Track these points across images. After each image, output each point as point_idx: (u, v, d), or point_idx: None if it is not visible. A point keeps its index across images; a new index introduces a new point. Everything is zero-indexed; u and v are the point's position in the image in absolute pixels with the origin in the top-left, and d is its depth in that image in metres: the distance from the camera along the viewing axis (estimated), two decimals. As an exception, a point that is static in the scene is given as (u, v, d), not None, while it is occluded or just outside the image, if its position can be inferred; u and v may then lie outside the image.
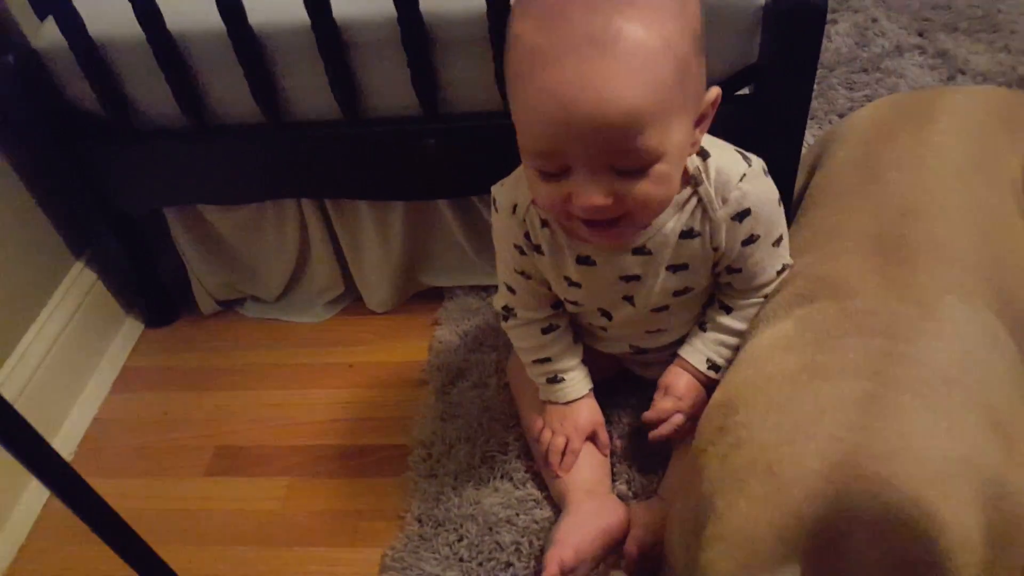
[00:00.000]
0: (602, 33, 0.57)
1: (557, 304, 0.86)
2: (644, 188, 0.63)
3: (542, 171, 0.64)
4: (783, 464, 0.60)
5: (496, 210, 0.80)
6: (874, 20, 1.54)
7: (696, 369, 0.83)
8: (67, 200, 1.08)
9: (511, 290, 0.85)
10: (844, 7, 1.59)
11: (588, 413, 0.88)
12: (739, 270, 0.78)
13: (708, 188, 0.72)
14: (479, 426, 0.97)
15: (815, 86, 1.38)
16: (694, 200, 0.73)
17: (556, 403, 0.88)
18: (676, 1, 0.61)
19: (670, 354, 0.86)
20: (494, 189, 0.80)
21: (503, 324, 0.89)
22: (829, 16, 1.56)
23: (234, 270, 1.17)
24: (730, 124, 0.76)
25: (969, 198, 0.78)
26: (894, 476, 0.57)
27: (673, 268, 0.77)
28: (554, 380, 0.88)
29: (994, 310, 0.69)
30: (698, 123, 0.67)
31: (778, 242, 0.78)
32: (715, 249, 0.76)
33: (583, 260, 0.77)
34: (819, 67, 1.42)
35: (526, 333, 0.87)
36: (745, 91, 0.89)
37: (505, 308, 0.87)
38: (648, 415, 0.83)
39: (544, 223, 0.76)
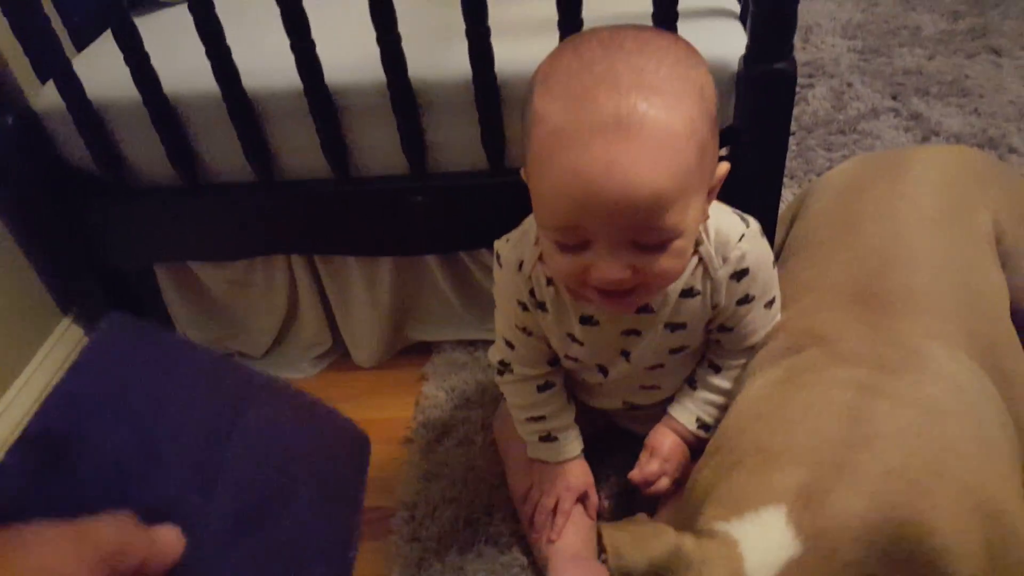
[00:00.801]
0: (628, 118, 0.58)
1: (554, 361, 0.86)
2: (662, 263, 0.64)
3: (561, 243, 0.65)
4: (773, 442, 0.64)
5: (500, 265, 0.80)
6: (849, 84, 1.60)
7: (685, 428, 0.84)
8: (57, 257, 1.09)
9: (510, 345, 0.84)
10: (820, 72, 1.65)
11: (579, 474, 0.88)
12: (731, 329, 0.79)
13: (708, 247, 0.74)
14: (464, 486, 0.96)
15: (795, 147, 1.43)
16: (695, 259, 0.74)
17: (547, 462, 0.88)
18: (697, 86, 0.62)
19: (662, 410, 0.87)
20: (498, 244, 0.80)
21: (497, 379, 0.89)
22: (806, 80, 1.62)
23: (222, 326, 1.18)
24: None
25: (944, 248, 0.79)
26: (885, 474, 0.59)
27: (671, 327, 0.78)
28: (547, 439, 0.87)
29: (977, 360, 0.71)
30: (708, 195, 0.69)
31: (770, 304, 0.79)
32: (714, 307, 0.77)
33: (587, 320, 0.77)
34: (798, 129, 1.48)
35: (521, 390, 0.87)
36: (723, 152, 0.92)
37: (501, 363, 0.87)
38: (635, 476, 0.83)
39: (549, 281, 0.76)
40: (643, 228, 0.61)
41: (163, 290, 1.15)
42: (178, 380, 0.44)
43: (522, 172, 0.68)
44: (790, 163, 1.37)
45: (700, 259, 0.74)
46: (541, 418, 0.87)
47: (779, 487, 0.59)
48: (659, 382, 0.85)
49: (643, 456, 0.84)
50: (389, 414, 1.10)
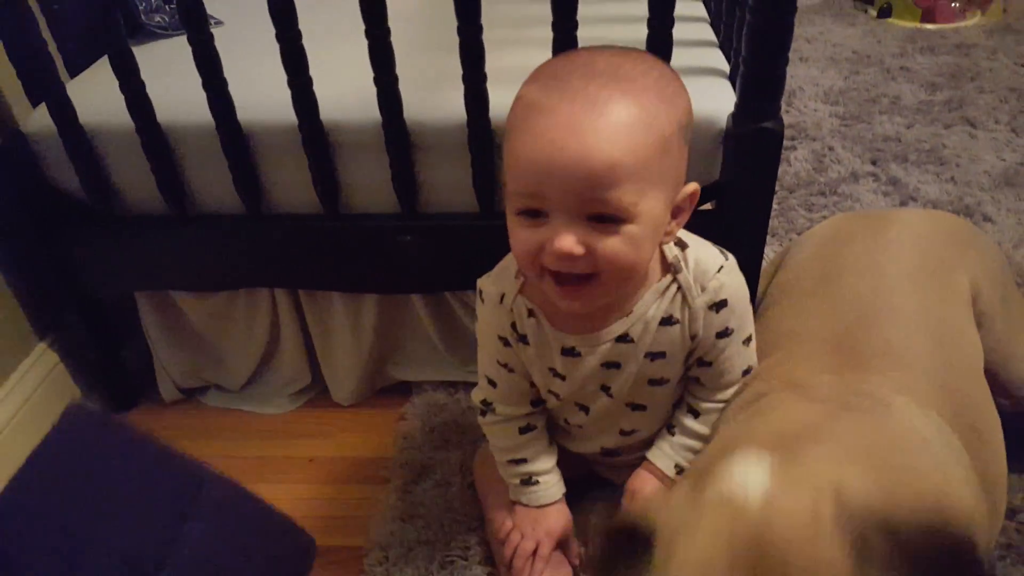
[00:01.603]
0: (596, 95, 0.63)
1: (536, 402, 0.87)
2: (614, 245, 0.66)
3: (523, 211, 0.67)
4: (736, 438, 0.65)
5: (482, 301, 0.81)
6: (830, 148, 1.64)
7: (663, 474, 0.84)
8: (37, 281, 1.07)
9: (492, 383, 0.85)
10: (802, 135, 1.70)
11: (560, 518, 0.87)
12: (709, 364, 0.80)
13: (687, 276, 0.75)
14: (440, 528, 0.95)
15: (776, 206, 1.46)
16: (674, 287, 0.76)
17: (528, 506, 0.87)
18: (667, 90, 0.67)
19: (638, 458, 0.87)
20: (480, 281, 0.82)
21: (480, 420, 0.89)
22: (788, 143, 1.66)
23: (200, 357, 1.16)
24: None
25: (923, 304, 0.81)
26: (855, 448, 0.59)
27: (651, 356, 0.78)
28: (528, 482, 0.87)
29: (947, 419, 0.71)
30: (675, 214, 0.71)
31: (748, 341, 0.81)
32: (692, 338, 0.78)
33: (568, 351, 0.78)
34: (779, 189, 1.51)
35: (503, 431, 0.87)
36: (708, 206, 0.94)
37: (484, 402, 0.87)
38: None
39: (531, 312, 0.77)
40: (597, 198, 0.64)
41: (143, 318, 1.13)
42: (124, 487, 0.42)
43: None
44: (771, 222, 1.38)
45: (679, 287, 0.76)
46: (523, 460, 0.86)
47: (739, 458, 0.58)
48: (638, 425, 0.86)
49: (625, 500, 0.84)
50: (366, 453, 1.08)
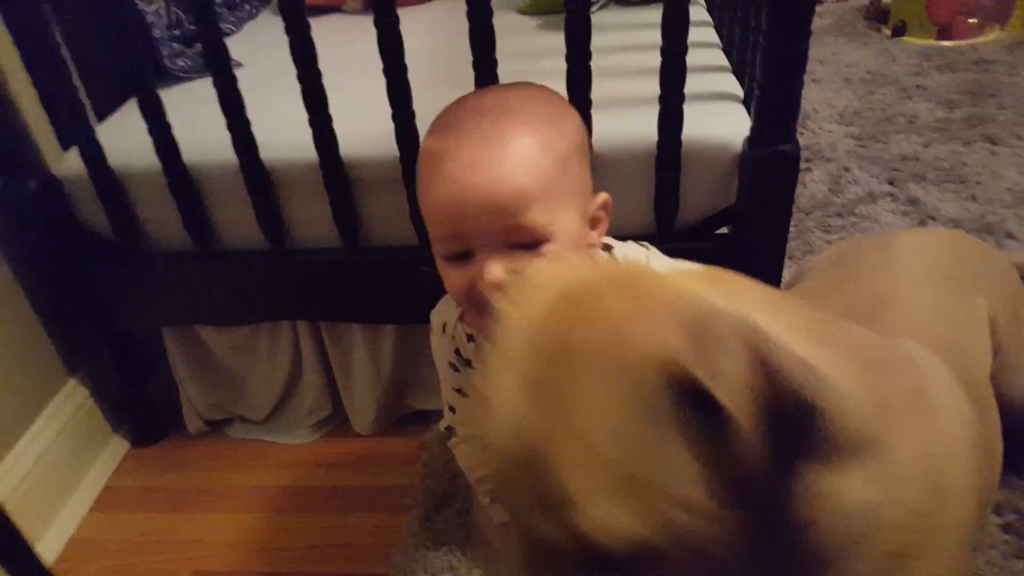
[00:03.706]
0: (489, 131, 0.67)
1: None
2: None
3: (448, 256, 0.70)
4: None
5: (431, 331, 0.84)
6: (847, 169, 1.64)
7: None
8: (68, 318, 1.10)
9: (452, 410, 0.88)
10: (817, 156, 1.70)
11: None
12: None
13: None
14: (462, 555, 0.95)
15: (792, 228, 1.45)
16: None
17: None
18: (556, 114, 0.71)
19: None
20: (431, 313, 0.85)
21: (449, 444, 0.91)
22: (804, 164, 1.66)
23: (224, 390, 1.18)
24: (710, 261, 0.79)
25: (941, 306, 0.78)
26: None
27: None
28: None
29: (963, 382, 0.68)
30: (593, 225, 0.73)
31: None
32: None
33: None
34: (795, 210, 1.50)
35: (468, 451, 0.89)
36: (724, 230, 0.94)
37: (448, 428, 0.89)
38: None
39: (470, 337, 0.79)
40: (511, 225, 0.66)
41: (169, 353, 1.16)
42: None
43: None
44: (788, 244, 1.38)
45: None
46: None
47: None
48: None
49: None
50: (387, 481, 1.09)
